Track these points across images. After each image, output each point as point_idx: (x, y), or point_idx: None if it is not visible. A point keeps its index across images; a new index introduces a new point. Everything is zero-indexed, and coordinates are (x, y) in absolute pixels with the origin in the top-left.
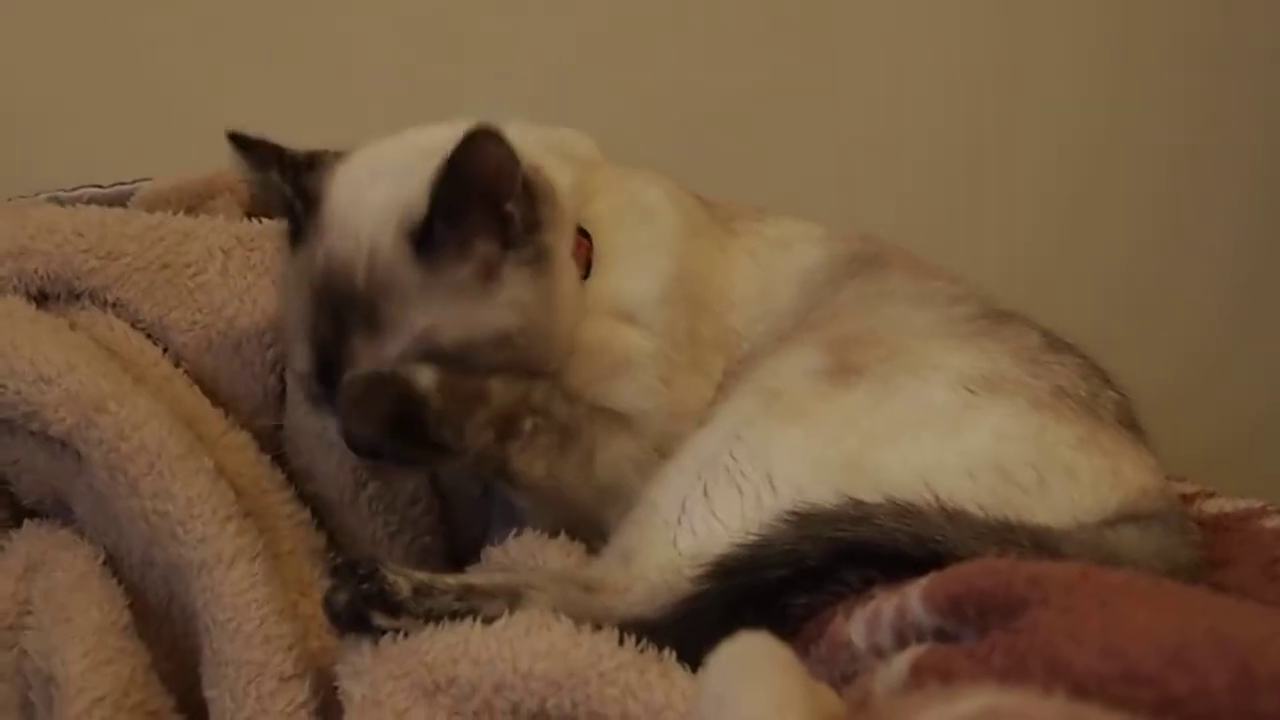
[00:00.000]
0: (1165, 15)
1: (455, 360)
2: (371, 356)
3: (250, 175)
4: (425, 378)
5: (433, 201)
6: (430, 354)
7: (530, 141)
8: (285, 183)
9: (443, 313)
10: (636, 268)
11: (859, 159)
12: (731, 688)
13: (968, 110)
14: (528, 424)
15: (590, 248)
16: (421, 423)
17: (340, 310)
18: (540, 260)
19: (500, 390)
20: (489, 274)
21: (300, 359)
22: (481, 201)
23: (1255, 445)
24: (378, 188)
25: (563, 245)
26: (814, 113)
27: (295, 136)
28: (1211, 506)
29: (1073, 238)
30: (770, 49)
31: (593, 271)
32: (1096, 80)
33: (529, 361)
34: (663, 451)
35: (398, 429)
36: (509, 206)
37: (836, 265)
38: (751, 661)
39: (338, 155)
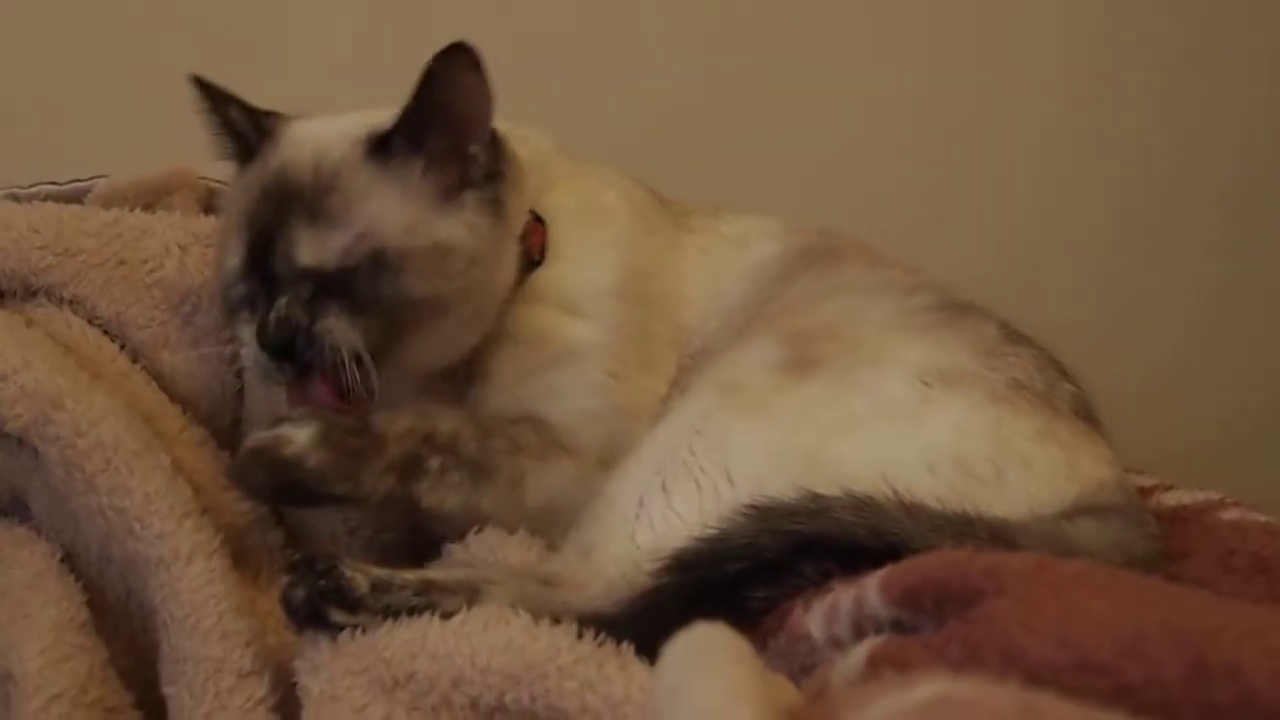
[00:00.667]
0: (1145, 12)
1: (387, 287)
2: (310, 243)
3: (209, 112)
4: (300, 437)
5: (402, 115)
6: (372, 257)
7: None
8: (243, 119)
9: (391, 212)
10: (588, 261)
11: (838, 157)
12: (684, 677)
13: (947, 108)
14: (434, 463)
15: (545, 234)
16: (302, 485)
17: (284, 202)
18: (497, 208)
19: (395, 438)
20: (447, 195)
21: (231, 254)
22: (449, 129)
23: (1229, 442)
24: (341, 120)
25: (516, 213)
26: (791, 111)
27: None
28: (1170, 499)
29: (1051, 236)
30: (747, 47)
31: (545, 261)
32: (1076, 79)
33: (458, 301)
34: (607, 460)
35: (284, 495)
36: (474, 149)
37: (790, 258)
38: (705, 651)
39: (300, 115)
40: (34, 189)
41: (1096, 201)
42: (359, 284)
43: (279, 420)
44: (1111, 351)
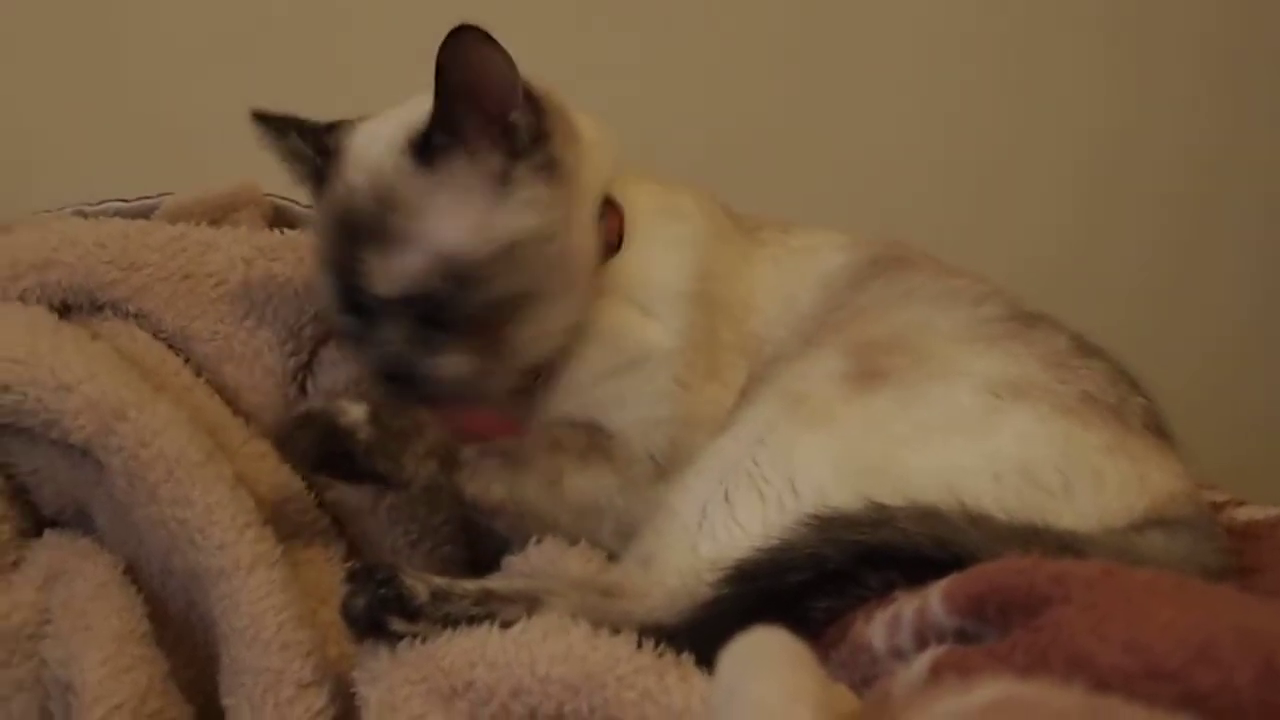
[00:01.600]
0: (1181, 18)
1: (477, 300)
2: (385, 272)
3: (272, 144)
4: (354, 411)
5: (433, 112)
6: (449, 276)
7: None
8: (305, 143)
9: (452, 221)
10: (663, 258)
11: (879, 168)
12: (742, 679)
13: (986, 118)
14: (467, 453)
15: (622, 221)
16: (350, 456)
17: (353, 234)
18: (552, 168)
19: (435, 424)
20: (501, 179)
21: (324, 293)
22: (481, 108)
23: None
24: (389, 123)
25: (581, 172)
26: (835, 124)
27: None
28: (1242, 514)
29: (1093, 243)
30: (792, 64)
31: (621, 250)
32: (1114, 86)
33: (547, 281)
34: (665, 470)
35: (329, 464)
36: (513, 116)
37: (859, 267)
38: (763, 654)
39: (362, 117)
40: (101, 206)
41: (1138, 210)
42: (448, 306)
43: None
44: (1157, 359)
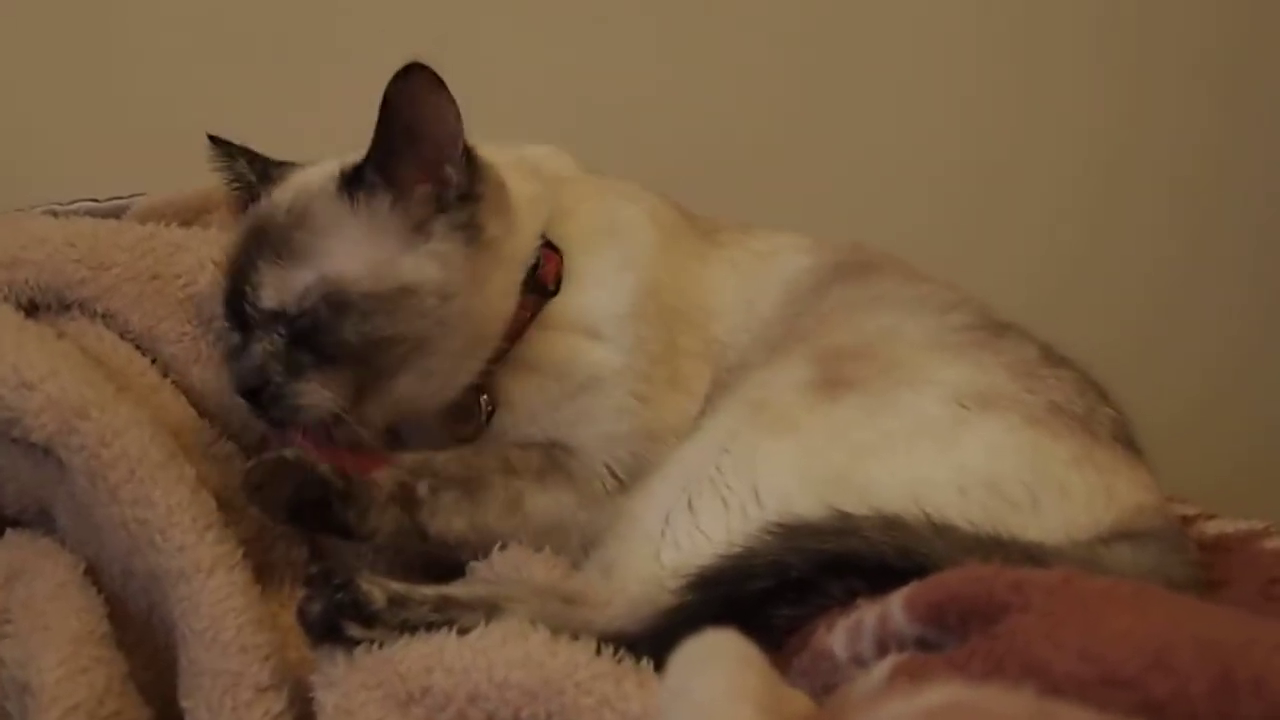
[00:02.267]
0: (1182, 29)
1: (352, 332)
2: (272, 284)
3: (220, 166)
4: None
5: (371, 147)
6: (332, 301)
7: (497, 159)
8: (251, 169)
9: (353, 249)
10: (604, 285)
11: (874, 175)
12: (688, 679)
13: (984, 127)
14: (422, 488)
15: (560, 264)
16: (326, 505)
17: (258, 243)
18: (473, 231)
19: (388, 471)
20: (417, 228)
21: (217, 300)
22: (419, 152)
23: (1259, 465)
24: (336, 162)
25: (504, 236)
26: (830, 130)
27: (292, 153)
28: (1212, 528)
29: (1088, 254)
30: (786, 67)
31: (562, 289)
32: (1113, 97)
33: (438, 336)
34: (628, 483)
35: (301, 514)
36: (447, 170)
37: (822, 271)
38: (711, 654)
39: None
40: (73, 205)
41: (1133, 223)
42: (324, 331)
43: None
44: (1148, 376)
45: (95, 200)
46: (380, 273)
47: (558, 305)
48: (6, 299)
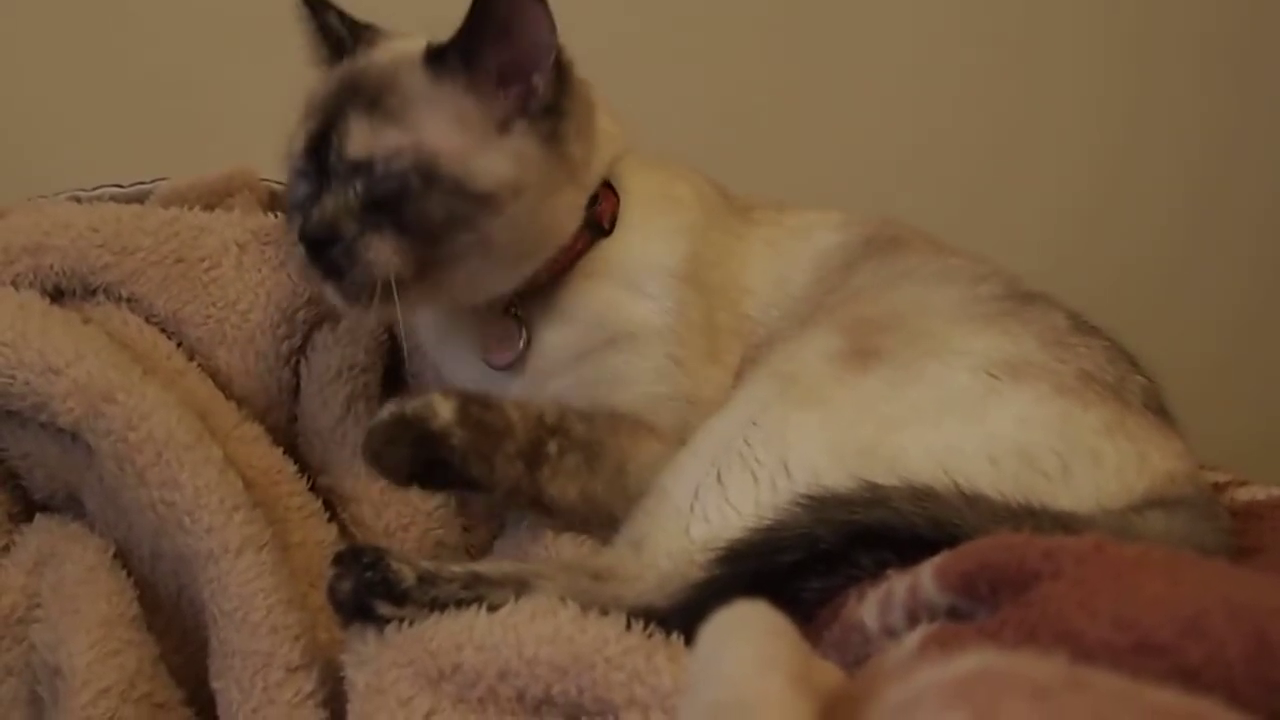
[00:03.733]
0: (1186, 16)
1: (437, 208)
2: (363, 135)
3: (308, 18)
4: (444, 411)
5: (459, 31)
6: (423, 170)
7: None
8: (341, 24)
9: (445, 130)
10: (656, 240)
11: (878, 157)
12: (717, 649)
13: (988, 107)
14: (552, 446)
15: (616, 205)
16: (447, 464)
17: (350, 95)
18: (554, 144)
19: (520, 420)
20: (500, 126)
21: (295, 141)
22: (508, 54)
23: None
24: (419, 38)
25: (581, 158)
26: (834, 110)
27: None
28: (1243, 494)
29: (1097, 226)
30: (792, 49)
31: (614, 233)
32: (1116, 74)
33: (502, 233)
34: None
35: (423, 476)
36: (535, 79)
37: (852, 248)
38: (741, 625)
39: None
40: (97, 191)
41: (1142, 191)
42: (407, 197)
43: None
44: (1161, 340)
45: (119, 186)
46: (465, 158)
47: (608, 248)
48: (32, 284)
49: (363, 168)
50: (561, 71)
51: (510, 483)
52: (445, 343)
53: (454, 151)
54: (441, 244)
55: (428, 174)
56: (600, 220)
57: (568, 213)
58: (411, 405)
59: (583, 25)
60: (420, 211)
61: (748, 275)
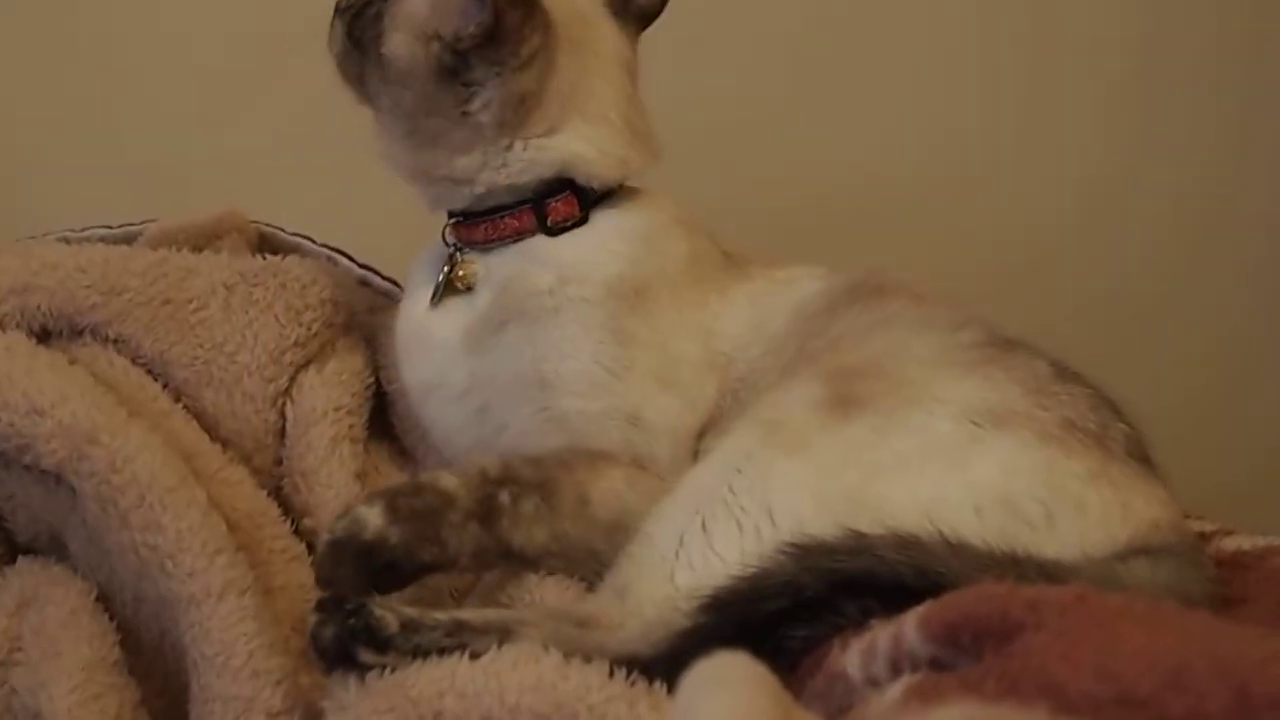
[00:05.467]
0: (1185, 47)
1: (367, 35)
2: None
3: None
4: (372, 518)
5: None
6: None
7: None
8: None
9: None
10: (603, 256)
11: (873, 186)
12: (697, 699)
13: (984, 137)
14: (504, 497)
15: (573, 213)
16: (395, 565)
17: None
18: (446, 78)
19: (460, 485)
20: (432, 34)
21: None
22: None
23: (1277, 480)
24: None
25: (488, 117)
26: (830, 137)
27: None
28: (1229, 544)
29: (1086, 261)
30: (787, 69)
31: (562, 237)
32: (1113, 109)
33: (396, 118)
34: (643, 464)
35: (380, 583)
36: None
37: (834, 294)
38: (721, 675)
39: None
40: (85, 232)
41: (1132, 233)
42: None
43: (344, 510)
44: (1147, 384)
45: (108, 227)
46: (405, 22)
47: (548, 243)
48: (19, 325)
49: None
50: (490, 45)
51: (471, 548)
52: (409, 290)
53: (403, 14)
54: (364, 67)
55: (380, 6)
56: (547, 216)
57: (465, 152)
58: (339, 525)
59: None
60: (359, 25)
61: (722, 322)
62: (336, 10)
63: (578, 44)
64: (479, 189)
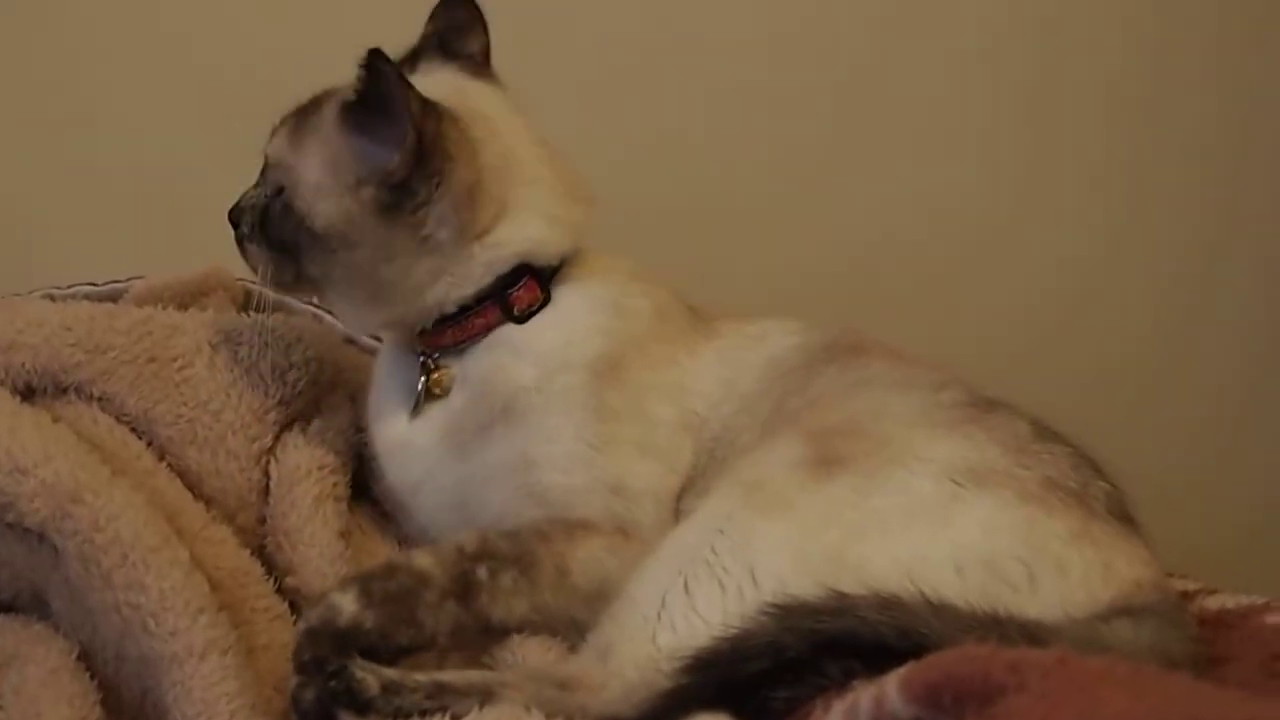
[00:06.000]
0: (1179, 114)
1: (285, 229)
2: (279, 140)
3: None
4: (346, 604)
5: (355, 93)
6: (284, 189)
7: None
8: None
9: (316, 166)
10: (574, 335)
11: (867, 264)
12: None
13: (979, 200)
14: (481, 572)
15: (537, 299)
16: (374, 647)
17: (311, 99)
18: (395, 213)
19: (435, 564)
20: (357, 183)
21: None
22: (386, 129)
23: (1260, 539)
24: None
25: (445, 233)
26: (819, 207)
27: None
28: (1213, 603)
29: (1077, 329)
30: (784, 149)
31: (529, 323)
32: (1109, 187)
33: (351, 277)
34: (625, 531)
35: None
36: (393, 155)
37: (811, 351)
38: None
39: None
40: (71, 290)
41: (1121, 299)
42: (270, 213)
43: (320, 597)
44: (1135, 446)
45: (93, 284)
46: (315, 194)
47: (516, 332)
48: (3, 383)
49: (268, 170)
50: (423, 161)
51: (449, 626)
52: (379, 392)
53: (310, 186)
54: (300, 263)
55: (285, 196)
56: (511, 305)
57: (431, 281)
58: (314, 614)
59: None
60: (276, 228)
61: (693, 379)
62: (240, 240)
63: (474, 115)
64: (449, 308)
